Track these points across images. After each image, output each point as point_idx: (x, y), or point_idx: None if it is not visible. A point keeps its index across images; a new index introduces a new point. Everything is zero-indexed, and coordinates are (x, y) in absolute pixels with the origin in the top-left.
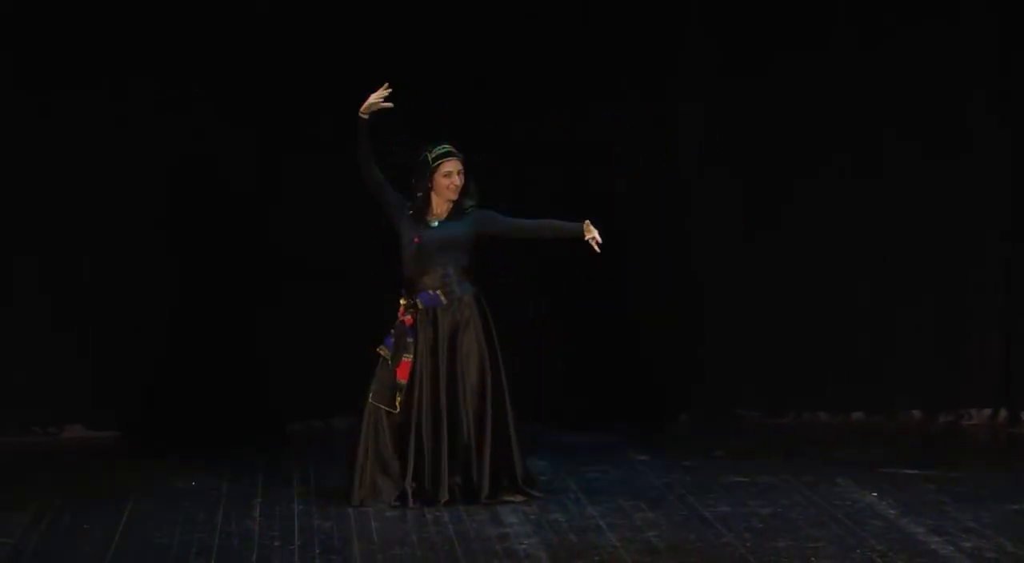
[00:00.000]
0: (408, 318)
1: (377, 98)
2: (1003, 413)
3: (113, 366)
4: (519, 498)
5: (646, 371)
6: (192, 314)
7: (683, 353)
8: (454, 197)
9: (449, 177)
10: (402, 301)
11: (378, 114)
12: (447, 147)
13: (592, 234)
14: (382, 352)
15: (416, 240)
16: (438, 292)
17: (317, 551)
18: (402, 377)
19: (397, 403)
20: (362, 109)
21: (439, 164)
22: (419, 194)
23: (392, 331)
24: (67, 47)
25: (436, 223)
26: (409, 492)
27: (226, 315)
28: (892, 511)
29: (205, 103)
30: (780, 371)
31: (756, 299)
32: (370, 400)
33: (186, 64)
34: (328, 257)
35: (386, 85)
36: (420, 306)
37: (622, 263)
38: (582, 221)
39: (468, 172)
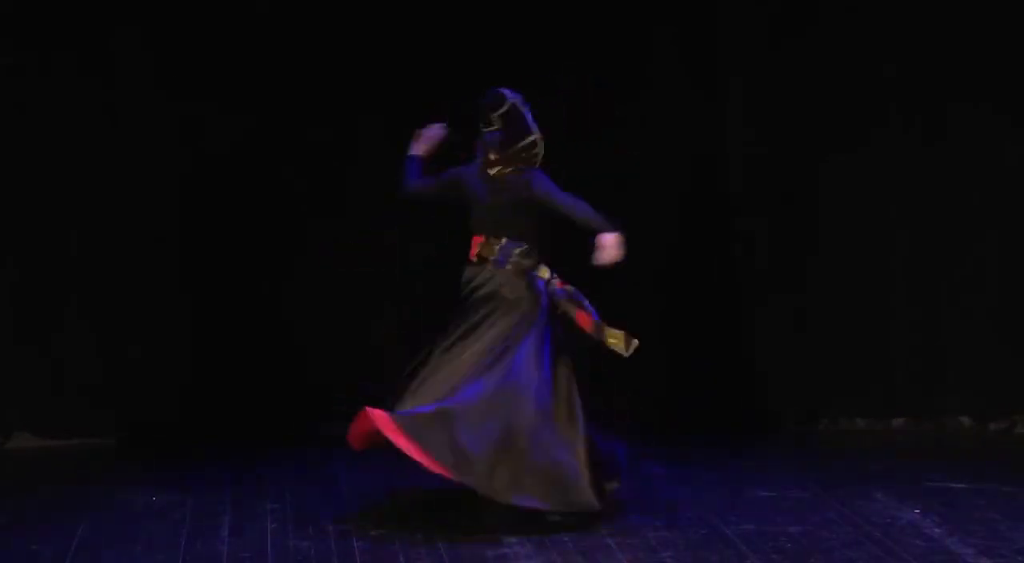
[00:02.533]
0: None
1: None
2: None
3: (68, 368)
4: None
5: (662, 373)
6: (158, 316)
7: (703, 354)
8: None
9: None
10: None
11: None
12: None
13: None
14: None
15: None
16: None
17: None
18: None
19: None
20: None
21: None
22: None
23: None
24: (66, 45)
25: None
26: None
27: (200, 317)
28: (937, 530)
29: (209, 102)
30: (812, 373)
31: (784, 292)
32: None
33: (186, 63)
34: (313, 265)
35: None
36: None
37: (639, 264)
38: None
39: None
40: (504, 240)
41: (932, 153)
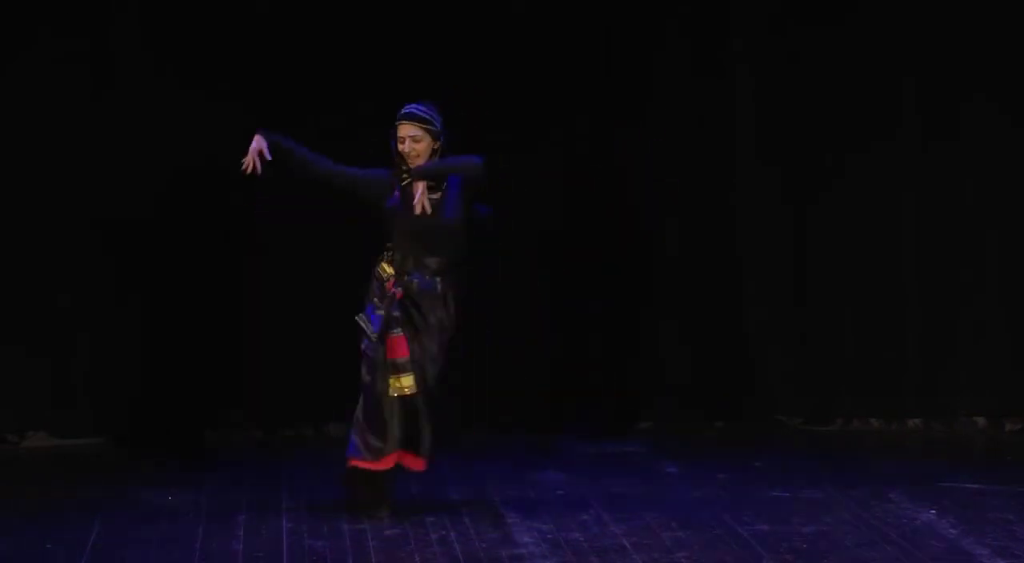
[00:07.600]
0: (399, 292)
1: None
2: None
3: (81, 367)
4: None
5: (676, 373)
6: (169, 314)
7: (717, 353)
8: (405, 167)
9: (402, 144)
10: (389, 269)
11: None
12: (408, 108)
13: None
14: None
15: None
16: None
17: None
18: (402, 354)
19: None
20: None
21: (397, 126)
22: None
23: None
24: (66, 44)
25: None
26: None
27: (207, 316)
28: (953, 530)
29: (203, 103)
30: (826, 373)
31: (796, 291)
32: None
33: (186, 62)
34: (319, 259)
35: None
36: (415, 287)
37: (648, 260)
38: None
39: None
40: None
41: (942, 151)
